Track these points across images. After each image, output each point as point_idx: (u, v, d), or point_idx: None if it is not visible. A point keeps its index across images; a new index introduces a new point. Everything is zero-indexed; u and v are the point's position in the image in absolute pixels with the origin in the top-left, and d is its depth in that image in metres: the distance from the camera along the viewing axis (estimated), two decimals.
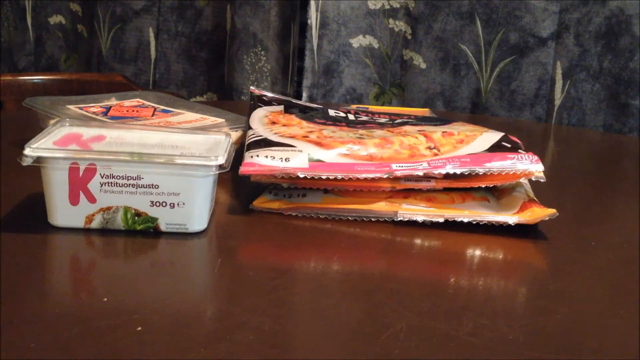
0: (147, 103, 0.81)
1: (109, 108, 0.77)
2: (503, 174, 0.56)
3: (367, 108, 0.87)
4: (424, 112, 0.87)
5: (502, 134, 0.64)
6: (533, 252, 0.52)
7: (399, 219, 0.56)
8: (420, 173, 0.56)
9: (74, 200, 0.49)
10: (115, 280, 0.43)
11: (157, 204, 0.50)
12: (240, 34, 1.41)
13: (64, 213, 0.50)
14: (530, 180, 0.60)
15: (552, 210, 0.55)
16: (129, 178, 0.49)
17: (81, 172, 0.49)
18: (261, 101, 0.74)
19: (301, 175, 0.55)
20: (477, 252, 0.51)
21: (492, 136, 0.63)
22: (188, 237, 0.50)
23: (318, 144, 0.59)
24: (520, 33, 1.22)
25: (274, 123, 0.66)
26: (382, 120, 0.71)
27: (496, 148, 0.60)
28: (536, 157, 0.57)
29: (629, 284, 0.47)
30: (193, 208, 0.50)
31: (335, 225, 0.55)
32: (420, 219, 0.56)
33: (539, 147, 0.93)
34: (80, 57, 1.72)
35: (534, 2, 1.20)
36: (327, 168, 0.56)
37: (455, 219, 0.56)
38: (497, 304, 0.43)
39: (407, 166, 0.57)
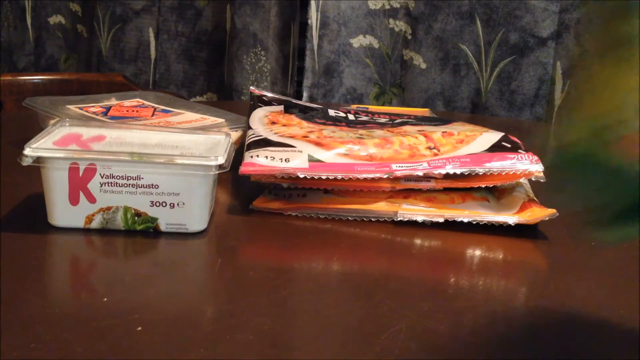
0: (147, 103, 0.81)
1: (109, 108, 0.77)
2: (503, 174, 0.56)
3: (367, 108, 0.87)
4: (424, 112, 0.87)
5: (502, 134, 0.64)
6: (533, 252, 0.52)
7: (399, 219, 0.56)
8: (420, 173, 0.56)
9: (74, 200, 0.49)
10: (115, 280, 0.43)
11: (157, 204, 0.50)
12: (240, 34, 1.41)
13: (64, 213, 0.49)
14: (530, 180, 0.60)
15: (552, 210, 0.55)
16: (129, 178, 0.49)
17: (81, 172, 0.49)
18: (261, 101, 0.74)
19: (301, 176, 0.55)
20: (477, 252, 0.51)
21: (492, 136, 0.63)
22: (188, 237, 0.50)
23: (318, 144, 0.59)
24: (520, 33, 1.22)
25: (274, 123, 0.66)
26: (382, 120, 0.71)
27: (496, 148, 0.60)
28: (536, 157, 0.57)
29: (629, 284, 0.47)
30: (193, 208, 0.50)
31: (335, 225, 0.55)
32: (420, 219, 0.56)
33: (539, 147, 0.93)
34: (80, 57, 1.72)
35: (534, 2, 1.20)
36: (327, 168, 0.56)
37: (455, 219, 0.56)
38: (497, 304, 0.43)
39: (407, 166, 0.57)
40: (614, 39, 0.28)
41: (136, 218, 0.50)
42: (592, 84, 0.29)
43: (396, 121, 0.70)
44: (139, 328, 0.37)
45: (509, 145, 0.60)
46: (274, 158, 0.57)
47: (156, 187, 0.49)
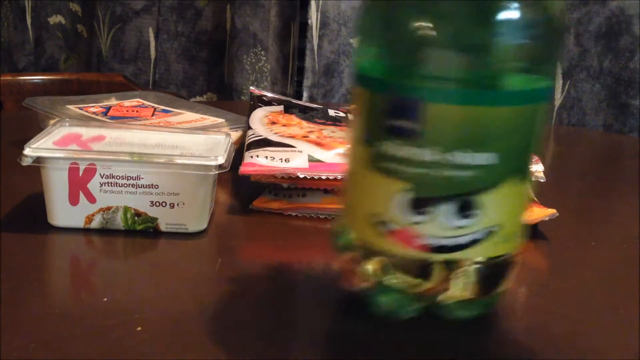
0: (147, 103, 0.81)
1: (109, 108, 0.77)
2: None
3: None
4: None
5: None
6: (533, 252, 0.52)
7: None
8: None
9: (73, 200, 0.49)
10: (115, 280, 0.43)
11: (157, 204, 0.50)
12: (240, 34, 1.41)
13: (64, 213, 0.50)
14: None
15: (552, 210, 0.55)
16: (129, 178, 0.49)
17: (81, 172, 0.49)
18: (261, 101, 0.74)
19: (301, 176, 0.55)
20: None
21: None
22: (188, 237, 0.50)
23: (318, 144, 0.59)
24: None
25: (274, 123, 0.66)
26: None
27: None
28: (536, 157, 0.57)
29: (629, 284, 0.47)
30: (193, 208, 0.50)
31: None
32: None
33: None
34: (80, 57, 1.72)
35: None
36: (327, 168, 0.56)
37: None
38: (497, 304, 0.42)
39: None
40: (374, 156, 0.36)
41: (136, 218, 0.50)
42: (364, 188, 0.37)
43: None
44: (139, 328, 0.37)
45: None
46: (274, 158, 0.57)
47: (156, 187, 0.49)
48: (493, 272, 0.37)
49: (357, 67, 0.37)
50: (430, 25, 0.33)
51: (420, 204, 0.35)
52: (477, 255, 0.36)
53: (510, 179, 0.35)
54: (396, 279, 0.37)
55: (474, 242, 0.36)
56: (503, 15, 0.32)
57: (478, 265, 0.36)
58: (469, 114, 0.33)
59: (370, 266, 0.37)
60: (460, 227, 0.35)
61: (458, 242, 0.35)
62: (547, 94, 0.36)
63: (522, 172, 0.36)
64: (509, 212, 0.36)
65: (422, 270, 0.36)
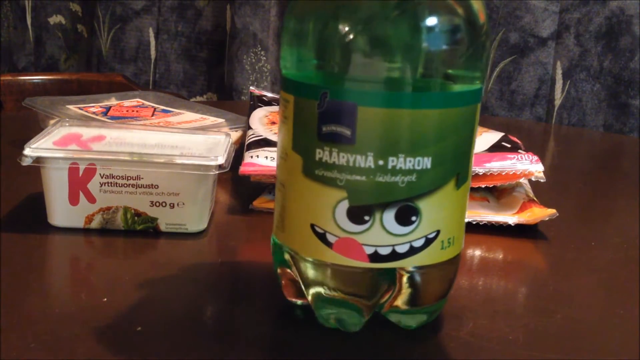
0: (147, 103, 0.81)
1: (109, 108, 0.77)
2: (503, 174, 0.56)
3: None
4: None
5: (502, 134, 0.64)
6: (533, 252, 0.52)
7: None
8: None
9: (73, 200, 0.49)
10: (115, 280, 0.43)
11: (157, 204, 0.50)
12: (240, 34, 1.41)
13: (64, 213, 0.49)
14: (530, 180, 0.60)
15: (552, 211, 0.55)
16: (129, 178, 0.49)
17: (81, 172, 0.49)
18: (261, 101, 0.74)
19: None
20: (477, 252, 0.51)
21: (492, 136, 0.62)
22: (188, 237, 0.50)
23: None
24: (521, 33, 1.22)
25: (273, 123, 0.66)
26: None
27: (496, 148, 0.60)
28: (536, 157, 0.57)
29: (629, 284, 0.47)
30: (193, 208, 0.50)
31: None
32: None
33: (539, 147, 0.93)
34: (80, 57, 1.72)
35: (534, 2, 1.20)
36: None
37: None
38: (497, 304, 0.43)
39: None
40: (308, 164, 0.35)
41: (136, 218, 0.50)
42: (299, 198, 0.36)
43: None
44: (139, 328, 0.37)
45: (509, 145, 0.60)
46: (274, 158, 0.57)
47: (156, 187, 0.49)
48: (435, 278, 0.37)
49: (285, 73, 0.36)
50: (356, 29, 0.32)
51: (357, 213, 0.34)
52: (418, 262, 0.35)
53: (448, 183, 0.35)
54: (336, 293, 0.36)
55: (414, 250, 0.35)
56: (426, 19, 0.32)
57: (420, 273, 0.36)
58: (399, 117, 0.33)
59: (308, 281, 0.37)
60: (400, 235, 0.34)
61: (398, 250, 0.35)
62: (477, 97, 0.35)
63: (459, 175, 0.35)
64: (449, 218, 0.36)
65: (364, 281, 0.36)
